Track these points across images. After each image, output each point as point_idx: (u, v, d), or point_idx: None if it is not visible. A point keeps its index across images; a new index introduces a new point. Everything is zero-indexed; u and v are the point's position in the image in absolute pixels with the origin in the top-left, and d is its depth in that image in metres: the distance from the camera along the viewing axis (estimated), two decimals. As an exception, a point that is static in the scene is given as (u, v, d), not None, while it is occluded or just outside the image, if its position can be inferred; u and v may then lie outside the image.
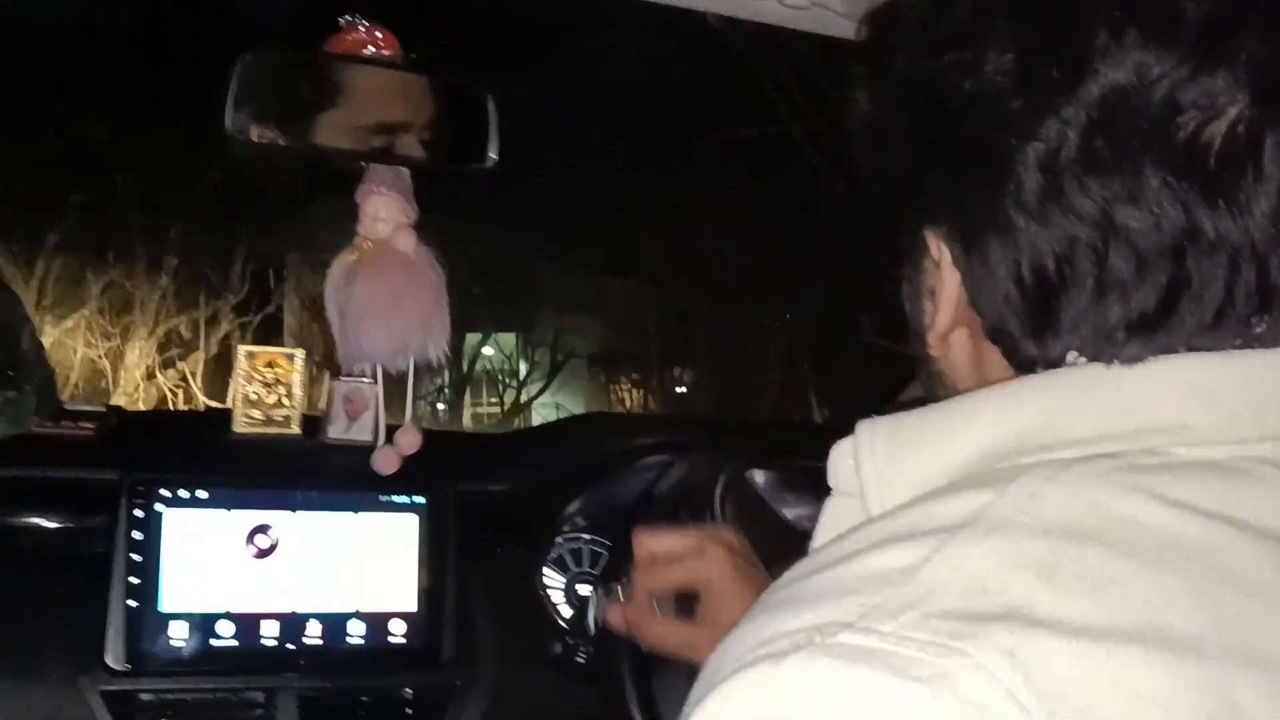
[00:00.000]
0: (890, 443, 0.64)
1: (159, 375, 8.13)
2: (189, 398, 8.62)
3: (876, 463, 0.63)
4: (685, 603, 1.22)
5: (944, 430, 0.63)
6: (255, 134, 1.27)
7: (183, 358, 8.66)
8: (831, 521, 0.65)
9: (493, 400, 14.64)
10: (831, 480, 0.66)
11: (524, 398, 14.15)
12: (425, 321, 1.46)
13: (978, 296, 0.65)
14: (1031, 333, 0.63)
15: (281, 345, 9.61)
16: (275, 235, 9.38)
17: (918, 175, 0.68)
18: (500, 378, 14.67)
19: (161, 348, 8.68)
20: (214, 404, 8.62)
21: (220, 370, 9.08)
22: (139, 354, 9.10)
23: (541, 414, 13.17)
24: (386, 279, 1.43)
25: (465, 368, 14.20)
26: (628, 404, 13.48)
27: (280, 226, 9.36)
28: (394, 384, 1.54)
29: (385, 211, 1.42)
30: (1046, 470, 0.57)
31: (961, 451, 0.61)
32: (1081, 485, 0.56)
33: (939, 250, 0.67)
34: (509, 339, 15.01)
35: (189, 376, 8.75)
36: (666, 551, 1.20)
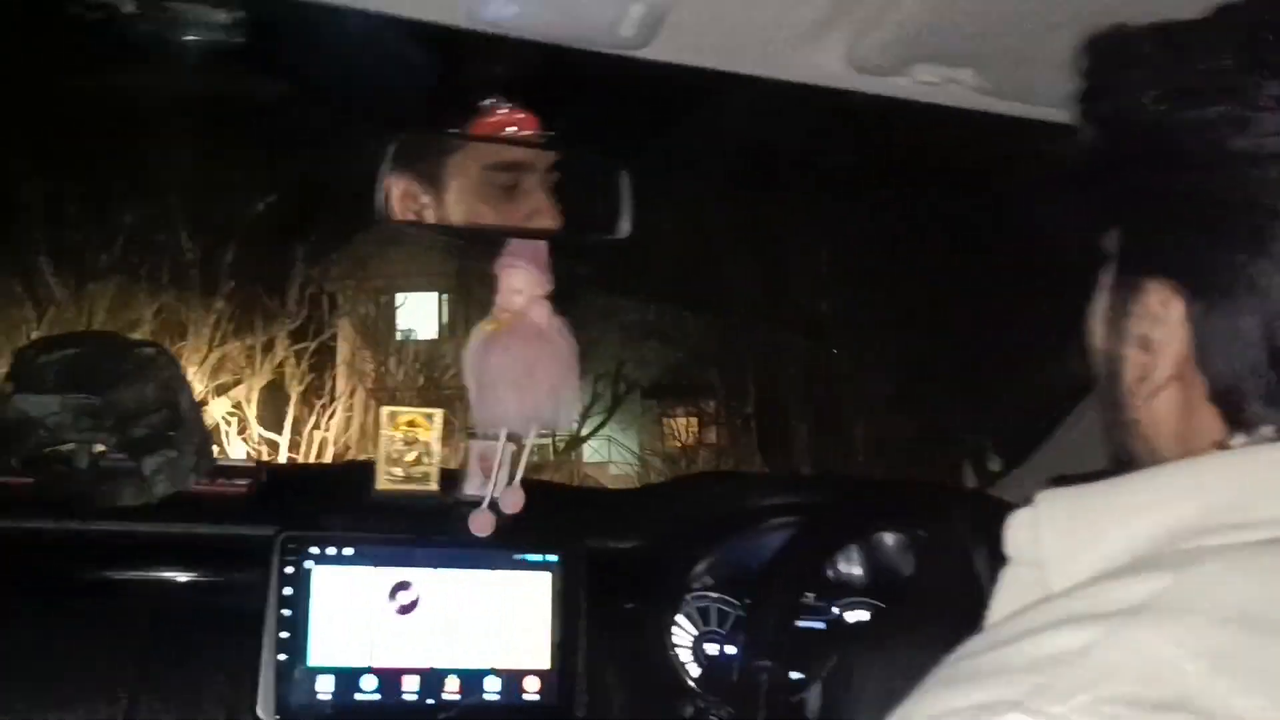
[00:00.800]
0: (1072, 516, 0.62)
1: (209, 401, 8.27)
2: (243, 426, 8.73)
3: (1058, 536, 0.61)
4: None
5: (1129, 506, 0.60)
6: (402, 214, 1.34)
7: (235, 385, 8.79)
8: (1008, 593, 0.63)
9: (543, 433, 13.59)
10: (1009, 550, 0.65)
11: (583, 430, 13.66)
12: (555, 391, 1.51)
13: (1211, 355, 0.62)
14: (1267, 398, 0.61)
15: (334, 372, 9.70)
16: (328, 262, 9.45)
17: (1151, 225, 0.66)
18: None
19: (214, 373, 8.80)
20: (270, 434, 8.74)
21: (274, 399, 9.17)
22: (192, 378, 9.30)
23: (593, 447, 13.02)
24: (521, 350, 1.48)
25: None
26: (684, 439, 13.08)
27: (332, 254, 9.45)
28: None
29: (522, 284, 1.47)
30: (1233, 554, 0.55)
31: (1146, 529, 0.59)
32: (1269, 573, 0.54)
33: (1164, 302, 0.64)
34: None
35: (243, 404, 8.90)
36: None
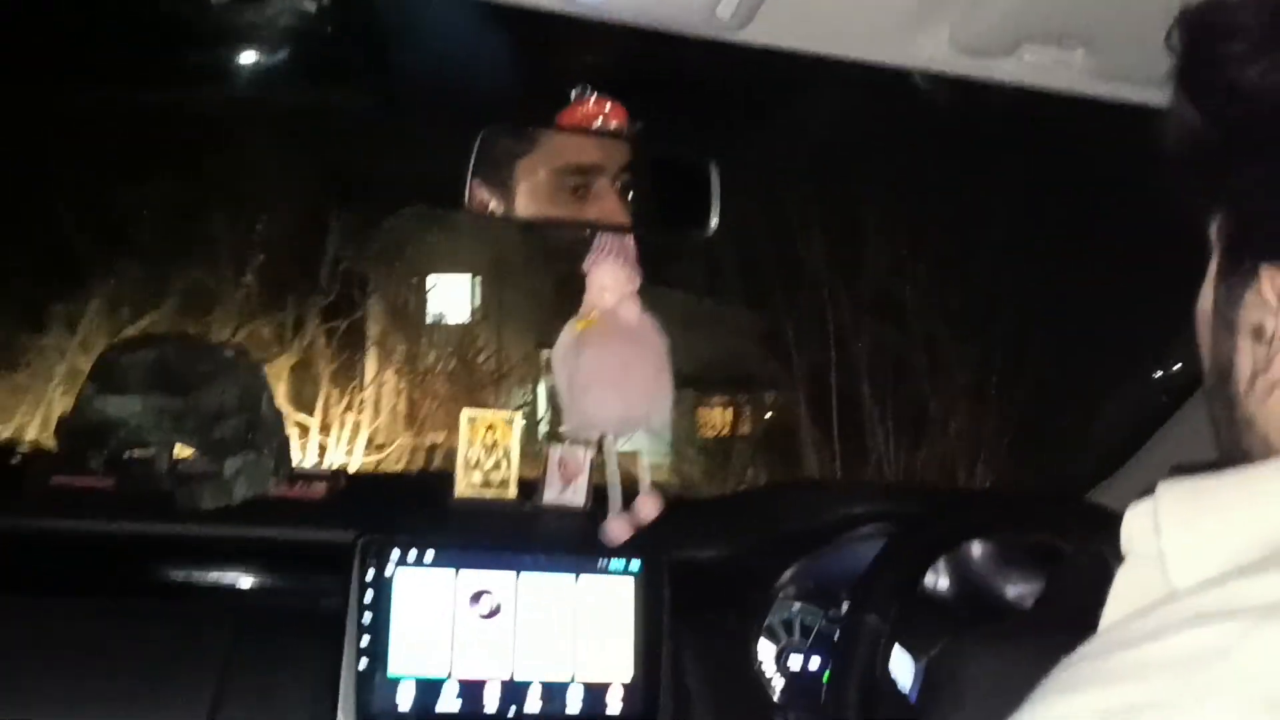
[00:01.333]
0: (1197, 507, 0.58)
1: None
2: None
3: (1181, 529, 0.58)
4: None
5: (1260, 496, 0.57)
6: (493, 206, 1.32)
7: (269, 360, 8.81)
8: (1126, 591, 0.60)
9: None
10: (1126, 545, 0.61)
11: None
12: (650, 391, 1.47)
13: None
14: None
15: (364, 352, 9.74)
16: (362, 241, 9.43)
17: (1260, 205, 0.62)
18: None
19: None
20: (303, 416, 8.74)
21: (305, 378, 9.02)
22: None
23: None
24: (614, 349, 1.44)
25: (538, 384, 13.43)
26: (718, 427, 12.77)
27: (366, 233, 9.45)
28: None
29: (612, 280, 1.44)
30: None
31: (1273, 522, 0.55)
32: None
33: (1273, 293, 0.61)
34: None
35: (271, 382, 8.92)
36: None
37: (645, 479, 1.54)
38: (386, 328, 10.09)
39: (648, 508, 1.51)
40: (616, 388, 1.43)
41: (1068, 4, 1.00)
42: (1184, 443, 1.63)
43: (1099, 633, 0.57)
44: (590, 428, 1.48)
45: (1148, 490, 0.61)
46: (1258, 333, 0.62)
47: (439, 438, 9.34)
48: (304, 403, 8.86)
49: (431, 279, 11.04)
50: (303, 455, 8.31)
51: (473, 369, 10.23)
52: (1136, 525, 0.60)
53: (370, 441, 9.17)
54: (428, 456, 9.08)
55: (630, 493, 1.53)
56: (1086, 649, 0.55)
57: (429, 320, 10.84)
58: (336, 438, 8.92)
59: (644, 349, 1.45)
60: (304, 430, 8.66)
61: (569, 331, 1.48)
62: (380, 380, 9.72)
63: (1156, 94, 1.12)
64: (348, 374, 9.38)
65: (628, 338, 1.44)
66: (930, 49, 1.08)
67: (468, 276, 11.45)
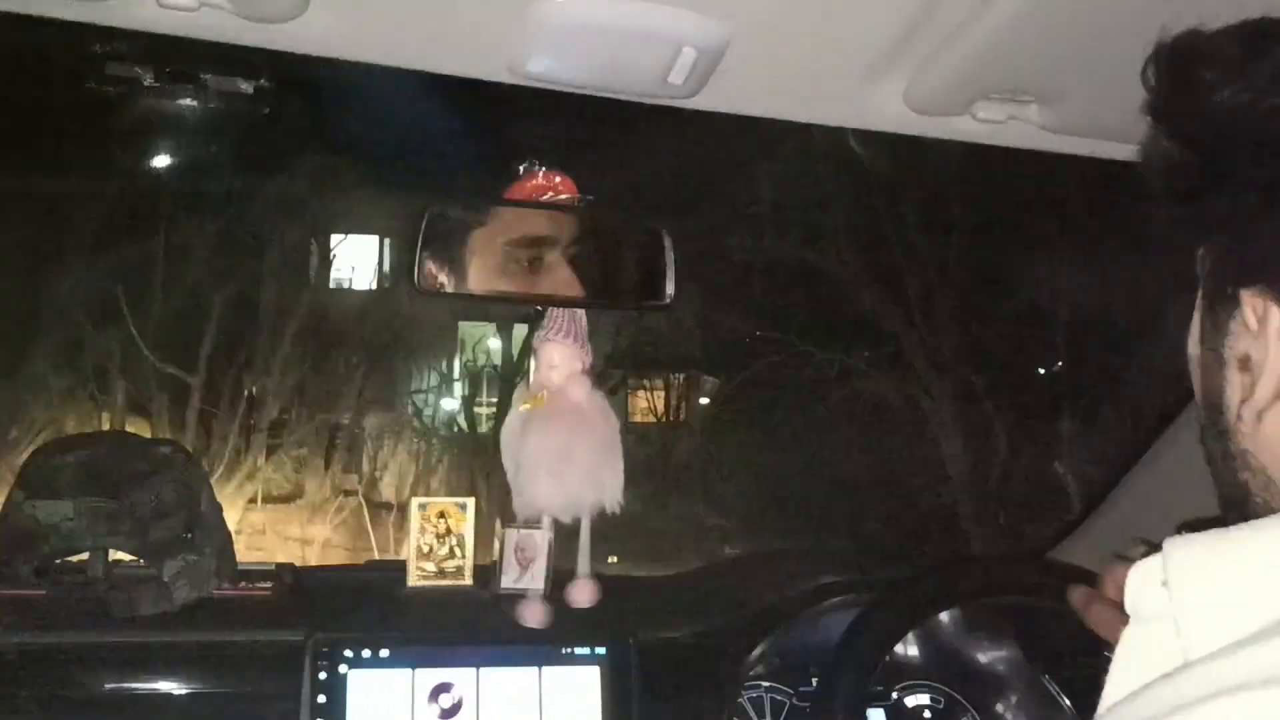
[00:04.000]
0: (1211, 567, 0.55)
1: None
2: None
3: (1195, 590, 0.54)
4: None
5: (1274, 552, 0.54)
6: (443, 280, 1.28)
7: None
8: (1136, 654, 0.56)
9: (492, 400, 12.53)
10: (1131, 605, 0.57)
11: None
12: (595, 474, 1.44)
13: None
14: None
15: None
16: None
17: (1239, 231, 0.61)
18: (501, 376, 12.11)
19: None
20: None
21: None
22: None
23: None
24: (558, 432, 1.41)
25: (464, 361, 12.70)
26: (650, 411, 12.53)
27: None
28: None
29: (560, 358, 1.41)
30: None
31: None
32: None
33: (1260, 313, 0.60)
34: (522, 331, 12.20)
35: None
36: None
37: (583, 562, 1.50)
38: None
39: (580, 594, 1.48)
40: (557, 475, 1.40)
41: (1017, 61, 1.00)
42: (1142, 499, 1.62)
43: (1113, 702, 0.54)
44: (535, 511, 1.45)
45: (1147, 548, 0.57)
46: (1244, 362, 0.61)
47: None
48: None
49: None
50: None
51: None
52: (1144, 584, 0.57)
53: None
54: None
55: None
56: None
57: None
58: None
59: (590, 430, 1.42)
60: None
61: (515, 414, 1.45)
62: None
63: (1109, 147, 1.13)
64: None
65: (573, 419, 1.41)
66: (884, 109, 1.07)
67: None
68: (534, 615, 1.44)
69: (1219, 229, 0.63)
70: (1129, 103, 1.05)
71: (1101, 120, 1.07)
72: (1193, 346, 0.67)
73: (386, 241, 11.91)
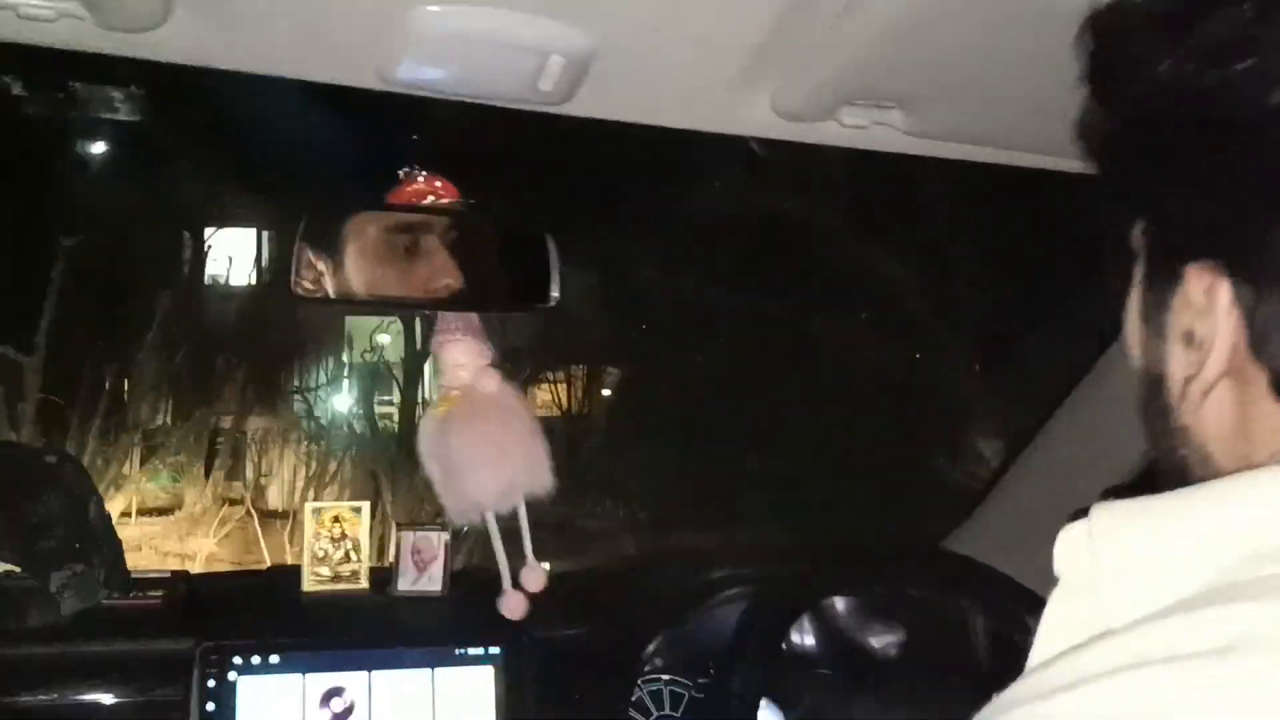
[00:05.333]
0: (1138, 532, 0.54)
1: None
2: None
3: (1119, 557, 0.54)
4: None
5: (1206, 519, 0.53)
6: (319, 291, 1.28)
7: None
8: (1058, 626, 0.55)
9: (385, 398, 11.97)
10: (1058, 570, 0.56)
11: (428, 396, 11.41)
12: (529, 458, 1.45)
13: (1270, 341, 0.55)
14: None
15: None
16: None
17: (1183, 203, 0.59)
18: (396, 372, 11.68)
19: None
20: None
21: None
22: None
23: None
24: (481, 426, 1.42)
25: (355, 358, 12.21)
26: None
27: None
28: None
29: (465, 357, 1.42)
30: None
31: (1223, 550, 0.51)
32: None
33: (1207, 288, 0.58)
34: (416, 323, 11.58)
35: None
36: None
37: (529, 547, 1.52)
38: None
39: (533, 580, 1.49)
40: (492, 465, 1.41)
41: (881, 68, 1.03)
42: (1032, 485, 1.67)
43: (1031, 669, 0.53)
44: (474, 509, 1.45)
45: (1081, 512, 0.56)
46: (1188, 337, 0.59)
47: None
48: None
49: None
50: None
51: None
52: (1069, 550, 0.56)
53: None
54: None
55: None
56: (1019, 691, 0.51)
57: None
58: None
59: (511, 417, 1.44)
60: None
61: (430, 420, 1.46)
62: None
63: (968, 150, 1.17)
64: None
65: (492, 410, 1.42)
66: (752, 115, 1.09)
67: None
68: (515, 607, 1.45)
69: (1160, 202, 0.61)
70: (986, 109, 1.10)
71: (960, 125, 1.11)
72: (1131, 323, 0.65)
73: (265, 235, 11.43)
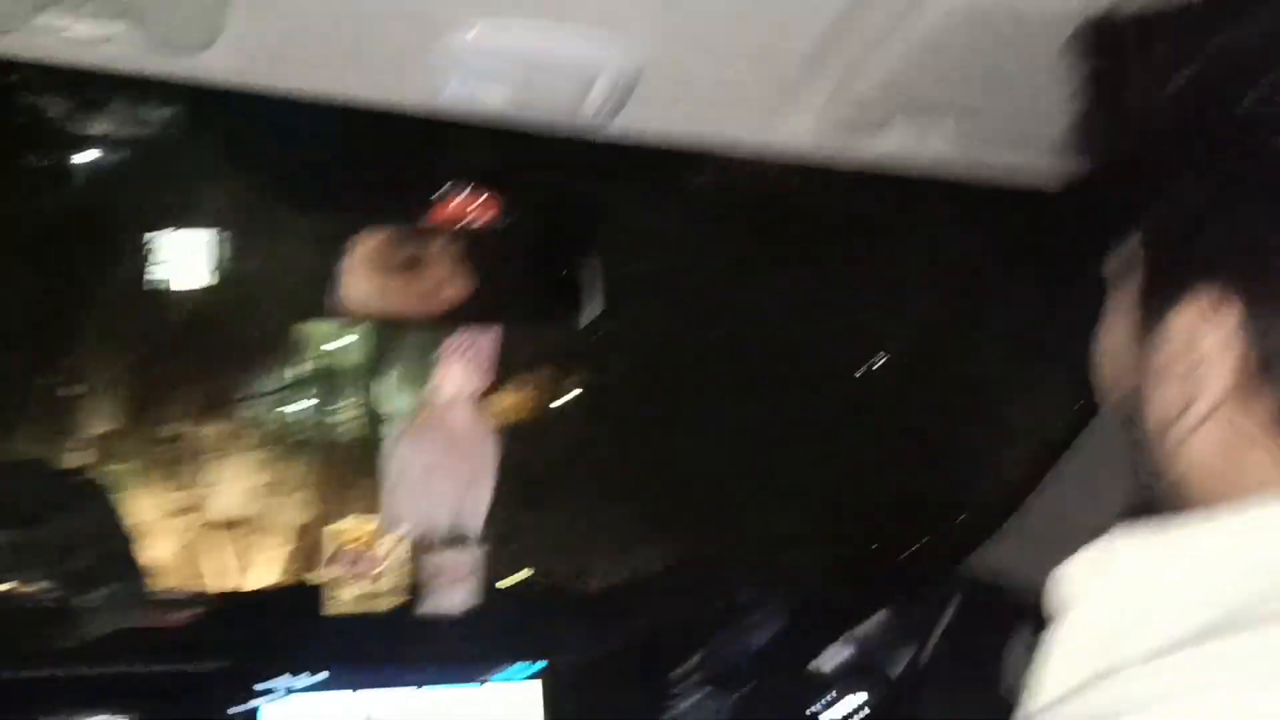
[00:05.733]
0: (1148, 563, 0.53)
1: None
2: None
3: (1131, 587, 0.52)
4: None
5: (1214, 550, 0.52)
6: (360, 307, 1.27)
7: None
8: (1062, 658, 0.54)
9: (341, 405, 12.14)
10: (1070, 595, 0.55)
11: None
12: (458, 495, 1.45)
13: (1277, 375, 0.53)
14: None
15: None
16: None
17: (1188, 224, 0.56)
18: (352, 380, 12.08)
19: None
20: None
21: None
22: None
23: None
24: (427, 450, 1.43)
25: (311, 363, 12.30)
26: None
27: None
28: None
29: (456, 378, 1.43)
30: None
31: (1233, 583, 0.50)
32: None
33: (1209, 313, 0.55)
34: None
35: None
36: None
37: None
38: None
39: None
40: (413, 493, 1.43)
41: (931, 80, 1.02)
42: (1058, 506, 1.66)
43: (1047, 699, 0.53)
44: (395, 524, 1.46)
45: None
46: (1184, 368, 0.56)
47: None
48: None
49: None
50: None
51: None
52: (1080, 577, 0.55)
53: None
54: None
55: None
56: None
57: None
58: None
59: (468, 450, 1.44)
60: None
61: (400, 423, 1.46)
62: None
63: (1022, 167, 1.16)
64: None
65: (447, 441, 1.43)
66: (798, 132, 1.08)
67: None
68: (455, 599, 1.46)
69: (1166, 221, 0.59)
70: (1044, 119, 1.09)
71: (1016, 138, 1.10)
72: (1109, 353, 0.63)
73: (223, 235, 11.24)
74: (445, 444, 1.44)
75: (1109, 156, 0.61)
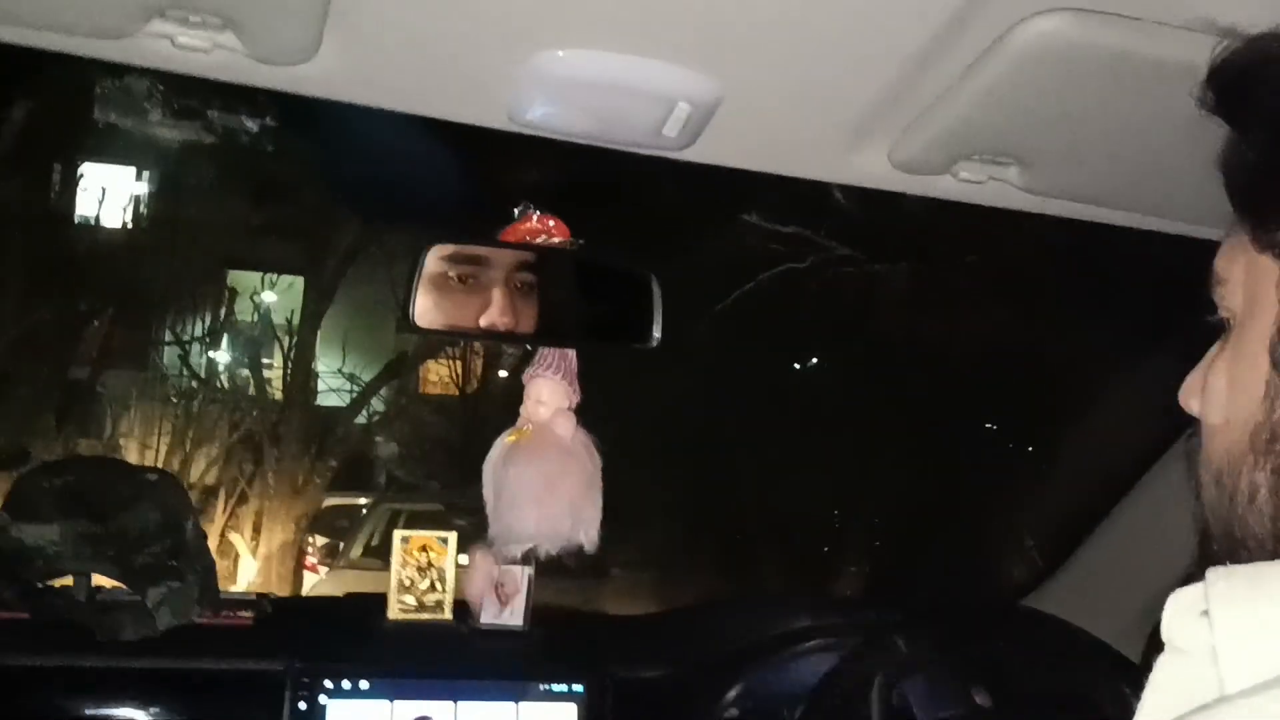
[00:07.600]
0: (1253, 598, 0.52)
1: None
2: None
3: (1235, 621, 0.52)
4: None
5: None
6: (435, 322, 1.31)
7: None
8: (1170, 686, 0.54)
9: (269, 362, 11.41)
10: (1167, 635, 0.55)
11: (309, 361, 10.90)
12: (576, 508, 1.46)
13: None
14: None
15: None
16: None
17: None
18: (282, 335, 11.12)
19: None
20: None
21: None
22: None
23: (331, 387, 11.44)
24: (540, 465, 1.44)
25: (238, 315, 11.59)
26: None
27: None
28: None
29: (548, 395, 1.44)
30: None
31: None
32: None
33: None
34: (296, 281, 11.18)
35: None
36: None
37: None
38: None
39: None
40: (538, 504, 1.42)
41: (1000, 125, 1.03)
42: (1117, 547, 1.64)
43: None
44: (511, 540, 1.47)
45: (1191, 578, 0.55)
46: None
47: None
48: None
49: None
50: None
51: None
52: (1182, 615, 0.55)
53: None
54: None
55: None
56: None
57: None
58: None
59: (573, 465, 1.45)
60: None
61: (499, 445, 1.47)
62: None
63: (1083, 209, 1.17)
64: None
65: (557, 454, 1.44)
66: (869, 166, 1.10)
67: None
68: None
69: None
70: (1103, 167, 1.10)
71: (1077, 184, 1.11)
72: (1251, 372, 0.62)
73: (145, 174, 10.66)
74: (559, 458, 1.46)
75: (1254, 174, 0.61)
